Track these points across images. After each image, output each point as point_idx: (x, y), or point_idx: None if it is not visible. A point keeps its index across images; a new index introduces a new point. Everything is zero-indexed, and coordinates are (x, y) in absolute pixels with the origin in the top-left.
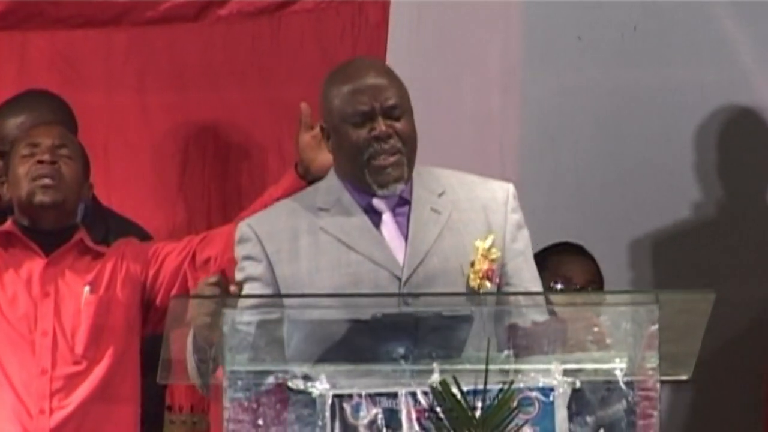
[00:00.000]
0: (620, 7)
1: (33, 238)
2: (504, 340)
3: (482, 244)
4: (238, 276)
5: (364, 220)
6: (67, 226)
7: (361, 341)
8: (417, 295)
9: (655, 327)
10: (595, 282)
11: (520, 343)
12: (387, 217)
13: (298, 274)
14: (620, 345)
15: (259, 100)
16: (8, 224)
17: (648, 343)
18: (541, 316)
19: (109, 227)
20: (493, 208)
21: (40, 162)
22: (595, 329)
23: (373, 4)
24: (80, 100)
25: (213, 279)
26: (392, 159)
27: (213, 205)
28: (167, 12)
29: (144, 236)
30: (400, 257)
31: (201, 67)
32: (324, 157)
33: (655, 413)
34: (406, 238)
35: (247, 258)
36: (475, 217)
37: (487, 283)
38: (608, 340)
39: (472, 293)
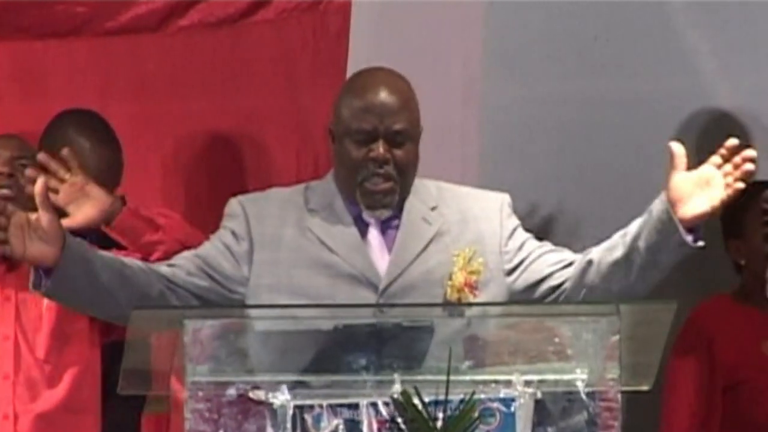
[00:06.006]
0: (583, 17)
1: None
2: (465, 351)
3: (462, 257)
4: (216, 237)
5: (351, 228)
6: None
7: (322, 351)
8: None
9: (616, 337)
10: None
11: (480, 354)
12: (374, 229)
13: (278, 262)
14: (581, 356)
15: (220, 110)
16: None
17: (609, 354)
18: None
19: None
20: (486, 216)
21: None
22: (556, 340)
23: (334, 14)
24: (42, 110)
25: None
26: (384, 186)
27: None
28: (128, 22)
29: None
30: (381, 267)
31: (162, 78)
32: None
33: (617, 424)
34: (390, 249)
35: (232, 233)
36: (465, 229)
37: (469, 296)
38: (569, 351)
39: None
